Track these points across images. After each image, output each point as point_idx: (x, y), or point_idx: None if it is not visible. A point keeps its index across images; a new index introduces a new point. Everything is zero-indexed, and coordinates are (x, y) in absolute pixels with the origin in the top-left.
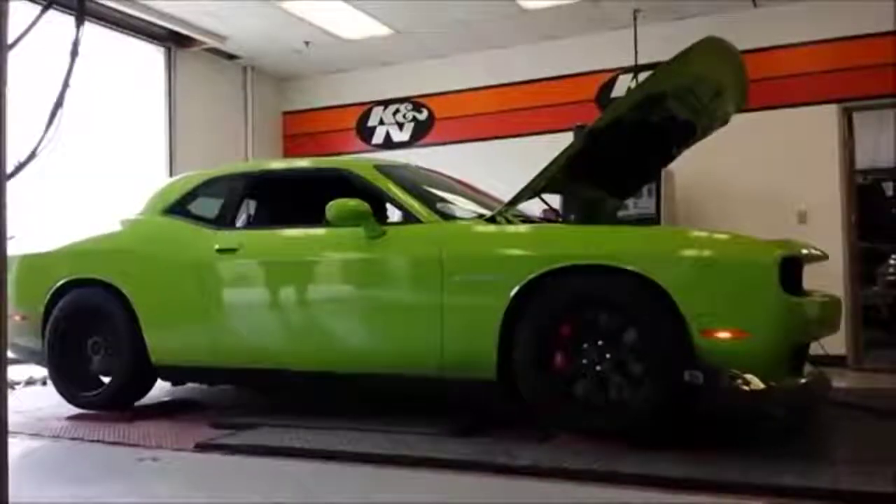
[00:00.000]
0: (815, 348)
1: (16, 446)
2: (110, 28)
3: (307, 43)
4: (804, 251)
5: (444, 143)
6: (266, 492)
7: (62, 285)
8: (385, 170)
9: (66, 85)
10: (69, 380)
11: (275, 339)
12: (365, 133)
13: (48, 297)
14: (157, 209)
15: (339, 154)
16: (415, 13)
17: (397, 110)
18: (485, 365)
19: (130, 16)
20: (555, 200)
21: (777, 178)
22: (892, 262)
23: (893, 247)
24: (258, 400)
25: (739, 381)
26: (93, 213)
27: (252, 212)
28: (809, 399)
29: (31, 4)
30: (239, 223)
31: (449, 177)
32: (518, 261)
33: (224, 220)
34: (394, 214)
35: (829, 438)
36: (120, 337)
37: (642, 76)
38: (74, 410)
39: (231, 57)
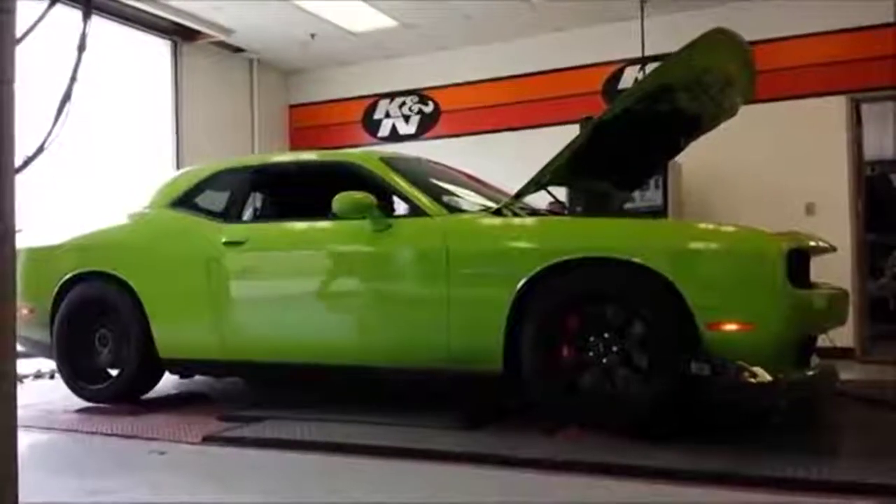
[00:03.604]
0: (822, 340)
1: (24, 439)
2: (116, 21)
3: (313, 35)
4: (811, 243)
5: (450, 136)
6: (273, 485)
7: (70, 278)
8: (391, 162)
9: (73, 79)
10: (77, 373)
11: (281, 332)
12: (371, 126)
13: (56, 290)
14: (164, 202)
15: (345, 147)
16: (421, 5)
17: (403, 103)
18: (491, 357)
19: (136, 9)
20: (561, 193)
21: (785, 170)
22: None
23: None
24: (265, 393)
25: (746, 373)
26: (100, 206)
27: (259, 205)
28: (817, 391)
29: None
30: (246, 216)
31: (455, 169)
32: (524, 253)
33: (231, 213)
34: (400, 207)
35: (835, 431)
36: (127, 330)
37: (650, 68)
38: (82, 403)
39: (237, 50)
